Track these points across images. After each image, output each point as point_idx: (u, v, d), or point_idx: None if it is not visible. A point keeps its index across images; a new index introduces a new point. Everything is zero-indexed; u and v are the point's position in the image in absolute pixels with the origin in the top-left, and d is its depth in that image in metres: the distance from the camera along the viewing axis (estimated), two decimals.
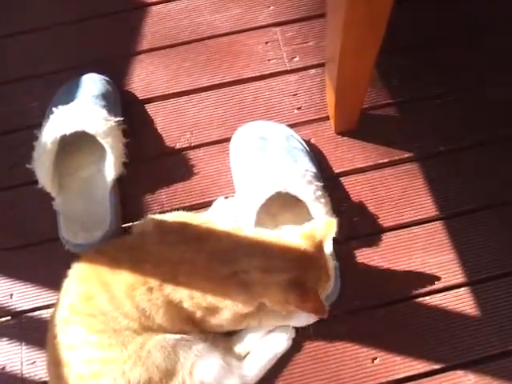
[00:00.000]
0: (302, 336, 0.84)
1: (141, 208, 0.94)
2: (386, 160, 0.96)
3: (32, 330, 0.87)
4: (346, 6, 0.66)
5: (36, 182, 0.89)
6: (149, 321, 0.74)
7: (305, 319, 0.81)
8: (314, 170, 0.88)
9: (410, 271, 0.88)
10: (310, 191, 0.81)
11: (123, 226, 0.91)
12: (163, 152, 0.98)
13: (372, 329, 0.86)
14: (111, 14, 1.09)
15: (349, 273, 0.88)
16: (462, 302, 0.87)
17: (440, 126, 0.98)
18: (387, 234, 0.91)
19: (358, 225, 0.92)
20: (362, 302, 0.87)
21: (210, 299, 0.74)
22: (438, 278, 0.88)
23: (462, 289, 0.87)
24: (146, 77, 1.04)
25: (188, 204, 0.94)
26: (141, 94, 1.03)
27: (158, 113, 1.01)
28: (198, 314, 0.76)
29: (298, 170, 0.84)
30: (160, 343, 0.74)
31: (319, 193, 0.82)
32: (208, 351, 0.77)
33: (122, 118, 0.92)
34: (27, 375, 0.85)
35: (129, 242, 0.81)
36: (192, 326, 0.78)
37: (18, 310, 0.89)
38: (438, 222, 0.91)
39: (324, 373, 0.84)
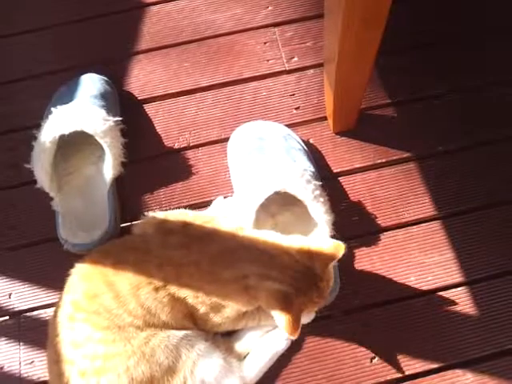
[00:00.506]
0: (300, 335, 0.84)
1: (139, 208, 0.94)
2: (384, 160, 0.96)
3: (30, 330, 0.87)
4: (344, 6, 0.66)
5: (35, 181, 0.89)
6: (154, 318, 0.75)
7: (305, 319, 0.81)
8: (312, 169, 0.89)
9: (408, 271, 0.89)
10: (308, 190, 0.81)
11: (122, 225, 0.91)
12: (162, 152, 0.98)
13: (370, 328, 0.86)
14: (110, 14, 1.09)
15: (347, 272, 0.88)
16: (459, 301, 0.87)
17: (438, 127, 0.98)
18: (385, 233, 0.91)
19: (356, 224, 0.92)
20: (360, 302, 0.87)
21: (214, 298, 0.75)
22: (436, 278, 0.88)
23: (460, 288, 0.88)
24: (144, 77, 1.04)
25: (187, 204, 0.94)
26: (139, 94, 1.03)
27: (156, 113, 1.01)
28: (202, 310, 0.76)
29: (296, 170, 0.84)
30: (164, 342, 0.74)
31: (318, 192, 0.82)
32: (209, 351, 0.77)
33: (120, 118, 0.92)
34: (25, 375, 0.85)
35: (131, 242, 0.81)
36: (193, 323, 0.78)
37: (16, 309, 0.89)
38: (435, 221, 0.92)
39: (322, 372, 0.84)
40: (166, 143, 0.99)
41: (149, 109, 1.02)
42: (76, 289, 0.77)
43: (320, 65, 1.03)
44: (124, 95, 1.02)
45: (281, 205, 0.87)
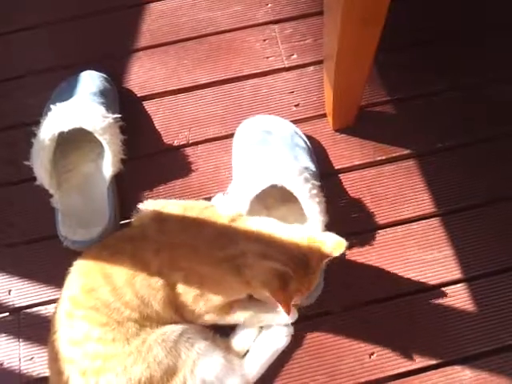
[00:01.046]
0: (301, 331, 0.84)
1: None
2: (383, 157, 0.96)
3: (30, 327, 0.88)
4: (343, 3, 0.66)
5: (34, 178, 0.89)
6: (147, 308, 0.75)
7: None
8: (313, 169, 0.89)
9: (407, 267, 0.89)
10: (305, 189, 0.81)
11: (121, 222, 0.91)
12: (161, 149, 0.98)
13: (369, 324, 0.86)
14: (110, 10, 1.09)
15: (346, 269, 0.88)
16: (459, 298, 0.87)
17: (438, 123, 0.98)
18: (385, 230, 0.91)
19: (355, 221, 0.92)
20: (359, 298, 0.87)
21: (206, 283, 0.75)
22: (435, 275, 0.88)
23: (459, 285, 0.88)
24: (144, 74, 1.04)
25: None
26: (139, 91, 1.03)
27: (156, 110, 1.01)
28: (190, 296, 0.76)
29: (296, 167, 0.84)
30: (161, 337, 0.74)
31: (314, 191, 0.82)
32: (210, 350, 0.77)
33: (120, 115, 0.92)
34: (25, 371, 0.85)
35: (129, 233, 0.82)
36: (181, 316, 0.78)
37: (16, 306, 0.89)
38: (435, 218, 0.92)
39: (322, 368, 0.84)
40: (165, 140, 0.99)
41: (148, 106, 1.02)
42: (74, 284, 0.78)
43: (320, 62, 1.03)
44: (123, 92, 1.02)
45: (278, 200, 0.87)
